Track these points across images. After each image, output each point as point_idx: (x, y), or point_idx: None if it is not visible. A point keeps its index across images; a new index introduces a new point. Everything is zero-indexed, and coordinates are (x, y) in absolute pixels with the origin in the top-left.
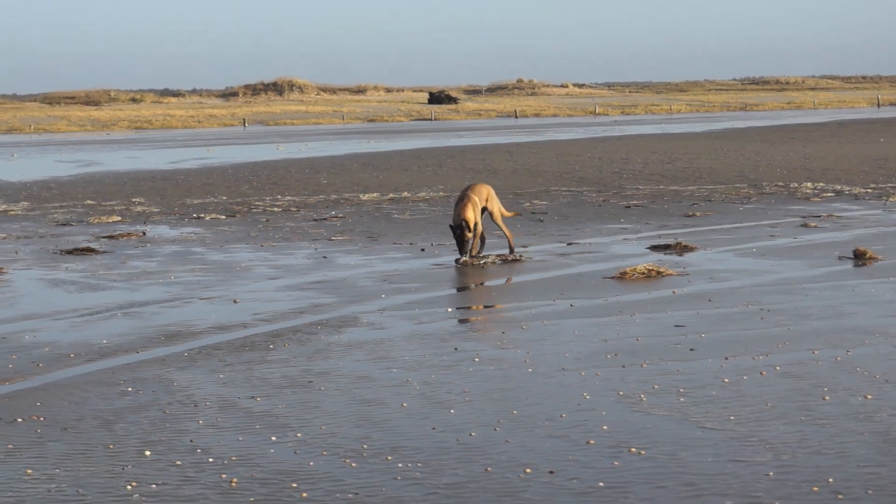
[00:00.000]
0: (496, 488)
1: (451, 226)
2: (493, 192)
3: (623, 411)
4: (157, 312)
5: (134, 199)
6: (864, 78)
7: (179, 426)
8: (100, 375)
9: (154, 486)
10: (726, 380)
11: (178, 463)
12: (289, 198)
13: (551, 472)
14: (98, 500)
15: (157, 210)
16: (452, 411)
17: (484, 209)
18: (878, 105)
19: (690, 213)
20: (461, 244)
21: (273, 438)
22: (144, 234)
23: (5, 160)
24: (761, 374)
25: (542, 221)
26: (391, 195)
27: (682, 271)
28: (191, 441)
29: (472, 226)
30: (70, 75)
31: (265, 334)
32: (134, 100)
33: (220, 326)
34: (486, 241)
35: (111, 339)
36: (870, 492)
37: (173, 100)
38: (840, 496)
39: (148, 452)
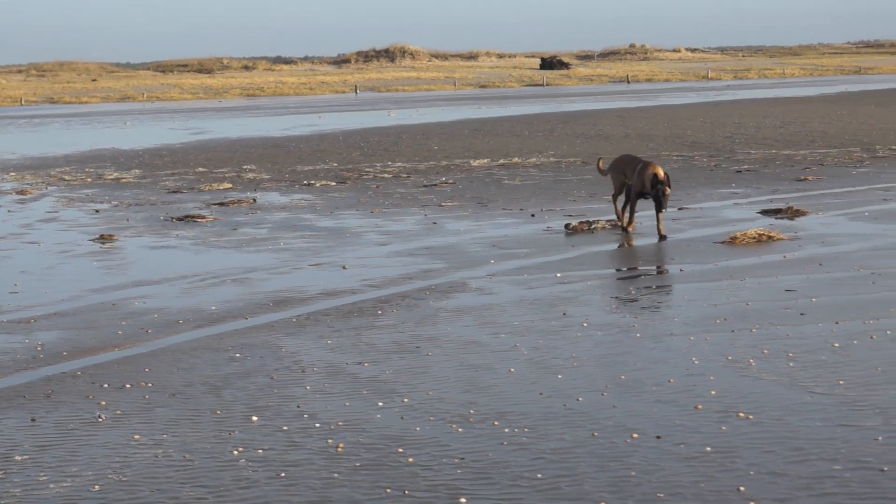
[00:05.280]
0: (603, 453)
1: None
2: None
3: (732, 376)
4: (266, 279)
5: (245, 167)
6: None
7: (287, 392)
8: (208, 342)
9: (260, 451)
10: (836, 344)
11: (285, 428)
12: (399, 164)
13: (658, 438)
14: (204, 466)
15: (267, 177)
16: (560, 376)
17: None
18: None
19: (802, 178)
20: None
21: (380, 404)
22: (255, 201)
23: (118, 128)
24: (872, 338)
25: None
26: (502, 161)
27: (793, 236)
28: (298, 406)
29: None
30: (183, 43)
31: (374, 300)
32: (246, 67)
33: (328, 292)
34: (596, 207)
35: (220, 306)
36: None
37: (285, 67)
38: None
39: (255, 418)
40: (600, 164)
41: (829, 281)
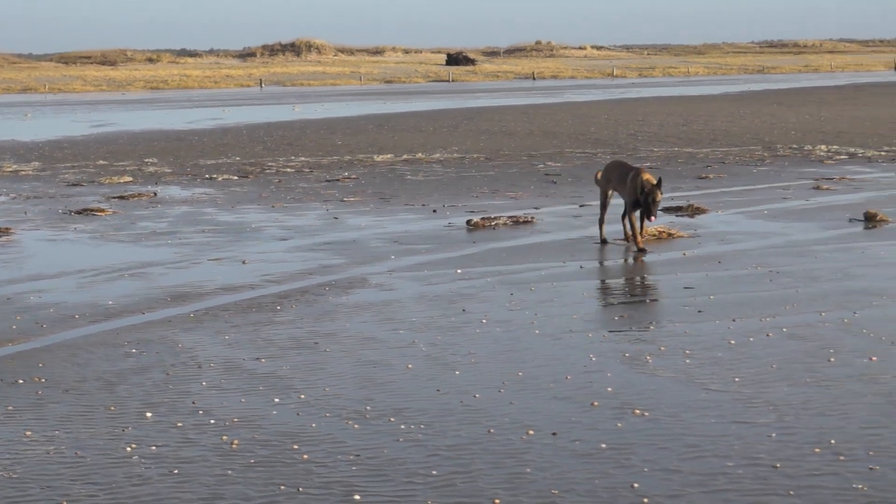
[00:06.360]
0: (498, 450)
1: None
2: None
3: (629, 373)
4: (164, 273)
5: (146, 160)
6: (881, 41)
7: (182, 388)
8: (104, 337)
9: (154, 447)
10: (733, 342)
11: (180, 424)
12: (302, 159)
13: (554, 434)
14: (97, 462)
15: (169, 171)
16: (458, 373)
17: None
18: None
19: (704, 176)
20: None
21: (276, 400)
22: (155, 194)
23: (19, 120)
24: (768, 335)
25: (555, 183)
26: (405, 156)
27: (693, 233)
28: (193, 403)
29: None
30: (86, 35)
31: (273, 295)
32: (150, 60)
33: (227, 288)
34: (499, 203)
35: (117, 300)
36: (871, 453)
37: (190, 60)
38: (841, 457)
39: (149, 414)
40: (598, 176)
41: (727, 278)
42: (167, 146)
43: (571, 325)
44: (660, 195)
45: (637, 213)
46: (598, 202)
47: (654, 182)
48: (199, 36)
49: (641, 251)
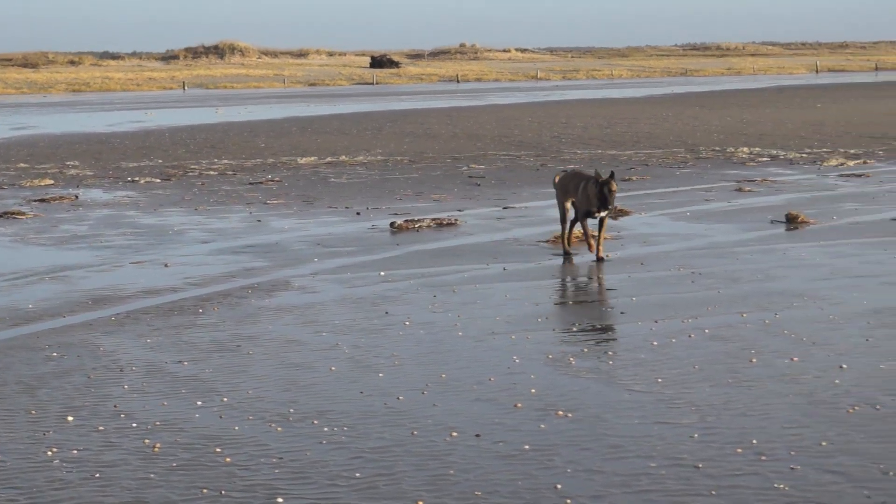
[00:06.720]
0: (421, 452)
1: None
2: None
3: (552, 374)
4: (85, 277)
5: (68, 163)
6: (803, 44)
7: (104, 391)
8: (24, 340)
9: (75, 451)
10: (655, 343)
11: (101, 428)
12: (225, 161)
13: (477, 436)
14: (17, 466)
15: (91, 174)
16: (381, 375)
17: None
18: (817, 71)
19: (627, 178)
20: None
21: (199, 403)
22: (77, 197)
23: None
24: (690, 336)
25: (479, 185)
26: (329, 159)
27: (615, 235)
28: (115, 406)
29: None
30: (7, 37)
31: (195, 298)
32: (72, 62)
33: (149, 291)
34: (422, 206)
35: (37, 304)
36: (793, 453)
37: (112, 62)
38: (763, 457)
39: (70, 418)
40: (556, 179)
41: (649, 280)
42: (89, 149)
43: (494, 327)
44: (615, 185)
45: (588, 222)
46: (521, 205)
47: (609, 177)
48: (121, 38)
49: (568, 255)
